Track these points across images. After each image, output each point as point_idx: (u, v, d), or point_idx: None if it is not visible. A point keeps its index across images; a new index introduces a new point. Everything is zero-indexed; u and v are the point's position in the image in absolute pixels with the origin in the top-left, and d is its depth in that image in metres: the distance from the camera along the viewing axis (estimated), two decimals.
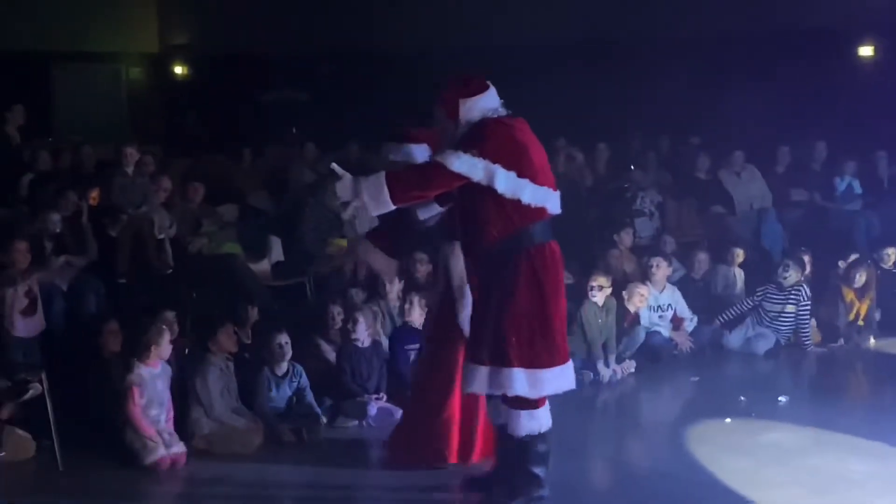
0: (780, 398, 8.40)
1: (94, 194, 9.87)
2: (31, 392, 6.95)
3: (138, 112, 18.36)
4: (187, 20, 18.62)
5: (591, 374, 9.06)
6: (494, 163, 5.74)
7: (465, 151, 5.75)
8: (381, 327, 8.85)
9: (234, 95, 17.00)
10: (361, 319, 8.17)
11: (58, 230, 9.06)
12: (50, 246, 8.95)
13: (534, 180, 5.83)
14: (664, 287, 9.94)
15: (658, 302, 9.86)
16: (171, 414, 7.22)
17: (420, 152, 6.53)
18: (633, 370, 9.35)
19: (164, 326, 7.32)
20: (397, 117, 15.34)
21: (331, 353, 8.44)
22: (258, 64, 16.93)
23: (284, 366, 7.86)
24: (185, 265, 9.59)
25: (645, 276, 9.95)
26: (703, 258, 10.74)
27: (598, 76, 14.22)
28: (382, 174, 5.77)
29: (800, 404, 8.36)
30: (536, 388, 5.89)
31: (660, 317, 9.85)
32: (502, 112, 5.95)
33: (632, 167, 12.55)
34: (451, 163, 5.73)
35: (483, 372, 5.92)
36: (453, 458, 6.75)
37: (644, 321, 9.67)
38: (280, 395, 7.81)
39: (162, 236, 9.56)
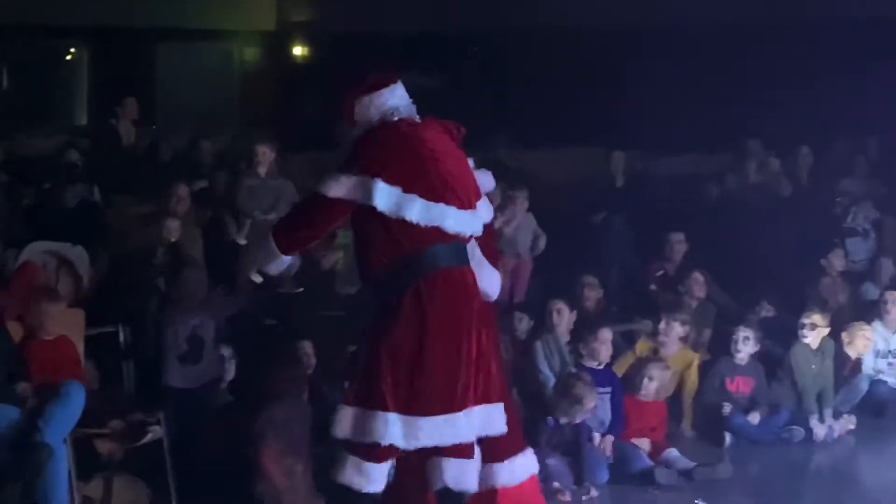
0: None
1: None
2: (149, 436, 6.77)
3: (251, 98, 18.34)
4: None
5: (802, 430, 8.73)
6: (374, 177, 5.60)
7: (343, 171, 5.68)
8: (549, 365, 8.52)
9: (358, 79, 16.86)
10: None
11: (173, 239, 8.91)
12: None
13: (427, 195, 5.62)
14: None
15: (890, 346, 9.45)
16: (310, 464, 6.91)
17: None
18: (852, 427, 8.96)
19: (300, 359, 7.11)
20: (544, 110, 15.37)
21: None
22: (386, 44, 16.76)
23: None
24: (315, 284, 9.33)
25: (867, 313, 9.49)
26: None
27: (795, 64, 13.64)
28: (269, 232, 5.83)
29: None
30: (412, 436, 5.63)
31: (889, 364, 9.44)
32: (404, 112, 5.80)
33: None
34: (328, 189, 5.67)
35: (348, 413, 5.70)
36: None
37: (867, 368, 9.27)
38: None
39: None
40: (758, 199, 11.67)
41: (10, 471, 5.84)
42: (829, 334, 8.97)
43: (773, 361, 8.97)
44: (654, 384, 8.21)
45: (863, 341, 9.18)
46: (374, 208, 5.61)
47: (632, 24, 14.94)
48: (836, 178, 12.22)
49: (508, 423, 6.01)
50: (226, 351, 7.75)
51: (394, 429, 5.61)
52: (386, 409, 5.61)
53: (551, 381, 8.33)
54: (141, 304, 8.42)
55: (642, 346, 8.84)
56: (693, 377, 8.82)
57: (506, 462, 6.00)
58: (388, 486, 5.90)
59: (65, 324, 7.26)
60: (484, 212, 5.95)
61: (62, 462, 5.82)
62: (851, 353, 9.19)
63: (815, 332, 8.87)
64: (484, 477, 5.91)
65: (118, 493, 6.84)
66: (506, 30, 16.01)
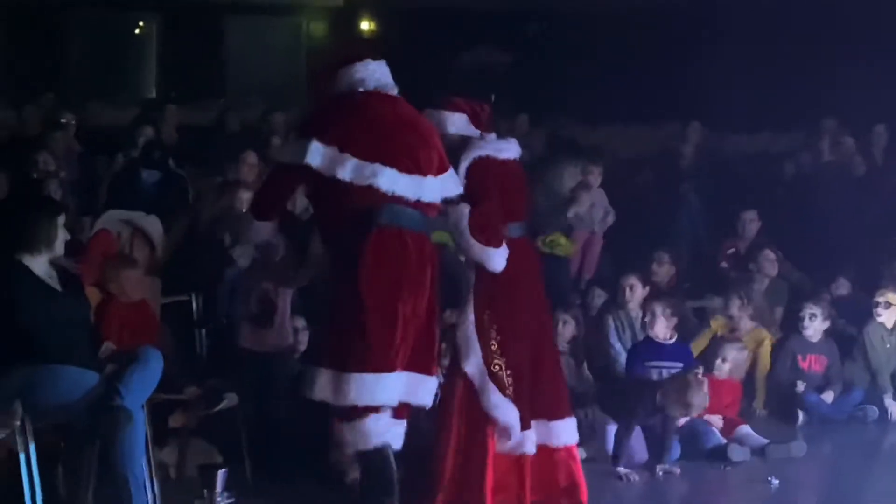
0: None
1: None
2: (224, 402, 6.81)
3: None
4: None
5: (876, 409, 8.68)
6: (310, 138, 5.79)
7: (294, 136, 6.00)
8: (620, 340, 8.49)
9: (427, 55, 16.84)
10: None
11: (245, 209, 8.92)
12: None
13: (362, 155, 5.75)
14: None
15: None
16: None
17: (455, 121, 6.35)
18: None
19: None
20: (615, 87, 15.28)
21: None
22: (456, 19, 16.73)
23: None
24: None
25: None
26: None
27: (871, 39, 13.44)
28: None
29: None
30: (341, 394, 5.73)
31: None
32: (370, 86, 5.87)
33: None
34: (280, 154, 6.05)
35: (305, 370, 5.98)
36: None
37: None
38: None
39: None
40: (832, 178, 11.54)
41: (90, 434, 5.89)
42: None
43: (847, 340, 8.89)
44: (727, 365, 8.18)
45: None
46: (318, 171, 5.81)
47: (701, 2, 14.83)
48: None
49: (557, 389, 6.35)
50: (299, 322, 7.77)
51: (319, 384, 5.77)
52: (320, 364, 5.81)
53: (622, 355, 8.33)
54: (214, 274, 8.49)
55: (718, 324, 8.79)
56: (765, 355, 8.78)
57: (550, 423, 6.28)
58: None
59: (141, 291, 7.34)
60: (448, 184, 6.04)
61: (140, 427, 5.84)
62: None
63: (889, 310, 8.79)
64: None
65: (192, 459, 6.89)
66: (572, 8, 15.95)
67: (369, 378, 5.74)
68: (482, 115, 6.40)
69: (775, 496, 7.07)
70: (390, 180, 5.80)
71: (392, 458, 5.86)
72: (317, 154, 5.77)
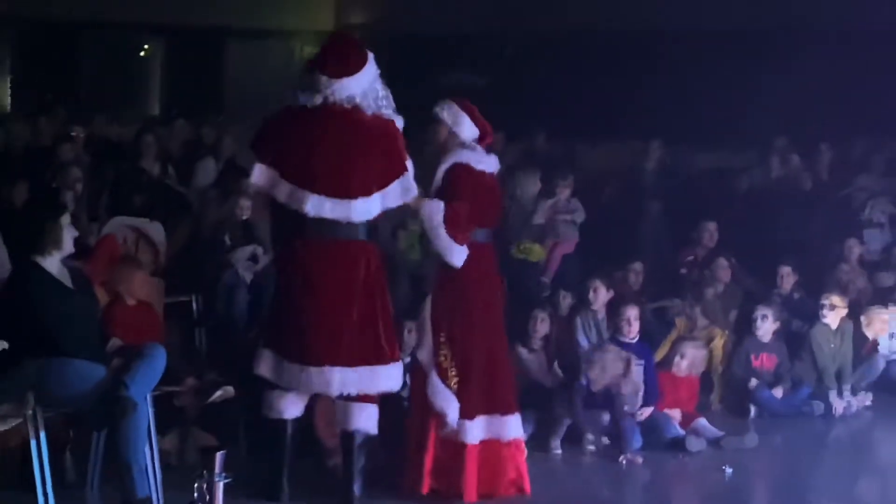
0: None
1: None
2: (219, 393, 6.77)
3: None
4: None
5: (822, 404, 8.65)
6: (256, 158, 6.10)
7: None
8: (587, 338, 8.49)
9: (411, 78, 16.79)
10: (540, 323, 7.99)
11: (245, 217, 8.91)
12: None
13: (295, 180, 5.99)
14: None
15: None
16: None
17: (462, 122, 6.42)
18: (869, 403, 8.88)
19: None
20: (585, 105, 15.26)
21: (533, 363, 8.08)
22: (439, 45, 16.69)
23: None
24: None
25: (884, 298, 9.41)
26: None
27: (815, 66, 13.49)
28: None
29: None
30: (274, 373, 6.12)
31: None
32: (321, 101, 6.02)
33: None
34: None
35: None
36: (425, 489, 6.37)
37: (884, 349, 9.15)
38: None
39: None
40: (781, 192, 11.57)
41: (98, 422, 5.86)
42: (848, 317, 8.86)
43: (796, 340, 8.90)
44: (685, 361, 8.17)
45: (880, 324, 9.07)
46: None
47: (666, 25, 14.81)
48: (855, 174, 12.08)
49: (508, 386, 6.46)
50: None
51: (264, 362, 6.11)
52: (266, 346, 6.14)
53: None
54: (213, 276, 8.45)
55: (681, 324, 8.82)
56: (718, 352, 8.78)
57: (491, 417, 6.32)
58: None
59: (146, 291, 7.31)
60: (391, 197, 6.12)
61: (143, 416, 5.82)
62: (869, 334, 9.08)
63: (834, 312, 8.77)
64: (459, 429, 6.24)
65: (192, 447, 6.84)
66: (545, 31, 15.91)
67: (297, 368, 6.03)
68: (486, 127, 6.44)
69: (729, 483, 7.08)
70: (317, 206, 5.98)
71: (288, 433, 6.18)
72: (260, 175, 6.08)
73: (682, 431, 7.70)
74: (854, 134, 12.93)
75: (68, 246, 5.90)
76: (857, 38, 13.67)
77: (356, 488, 6.20)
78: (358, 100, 6.08)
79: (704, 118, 12.96)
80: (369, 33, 18.18)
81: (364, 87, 6.12)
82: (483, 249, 6.40)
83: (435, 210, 6.23)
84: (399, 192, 6.17)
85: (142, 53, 18.18)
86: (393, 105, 6.24)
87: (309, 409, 6.39)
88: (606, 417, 7.53)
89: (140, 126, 11.65)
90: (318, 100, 6.02)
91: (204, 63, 17.24)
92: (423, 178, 6.32)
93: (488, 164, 6.46)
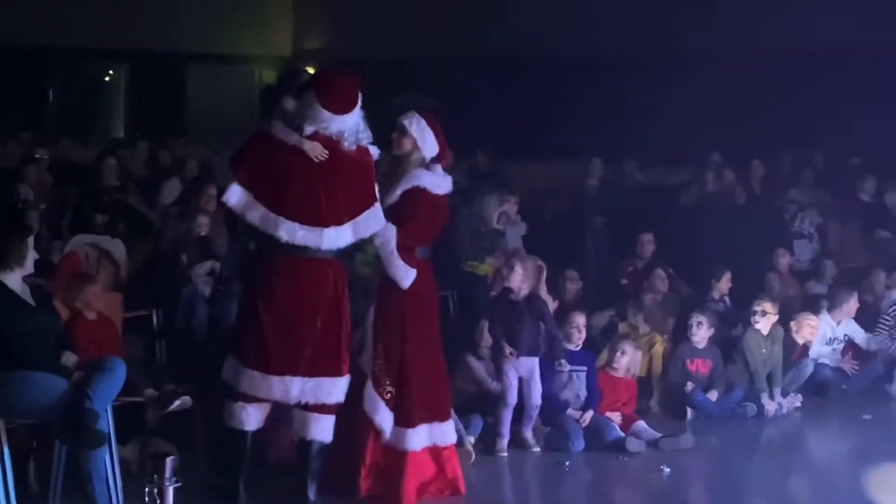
0: None
1: None
2: (178, 403, 6.73)
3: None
4: (322, 24, 18.52)
5: (755, 406, 8.69)
6: (234, 178, 6.06)
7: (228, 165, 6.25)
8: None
9: (365, 99, 16.80)
10: (518, 267, 7.77)
11: (203, 234, 8.85)
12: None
13: (270, 205, 6.00)
14: (842, 319, 9.47)
15: (835, 334, 9.44)
16: None
17: (427, 136, 6.40)
18: (799, 404, 8.93)
19: None
20: (529, 126, 15.35)
21: (481, 371, 8.07)
22: (391, 69, 16.72)
23: None
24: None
25: (812, 306, 9.50)
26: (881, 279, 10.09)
27: (748, 88, 13.66)
28: None
29: None
30: (237, 380, 6.10)
31: (833, 350, 9.42)
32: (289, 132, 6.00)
33: None
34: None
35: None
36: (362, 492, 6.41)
37: (813, 353, 9.23)
38: None
39: None
40: (717, 206, 11.68)
41: (61, 434, 5.82)
42: (779, 323, 8.90)
43: (730, 345, 8.96)
44: (625, 358, 8.19)
45: (808, 329, 9.11)
46: None
47: (608, 49, 14.95)
48: (786, 188, 12.22)
49: (446, 395, 6.52)
50: None
51: (227, 369, 6.12)
52: (231, 353, 6.15)
53: None
54: (172, 291, 8.40)
55: (624, 327, 8.89)
56: (658, 356, 8.84)
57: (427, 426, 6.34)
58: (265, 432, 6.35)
59: (104, 305, 7.25)
60: (362, 227, 6.13)
61: (105, 427, 5.78)
62: (799, 339, 9.12)
63: (765, 318, 8.80)
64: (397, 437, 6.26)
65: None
66: (493, 56, 15.99)
67: (257, 376, 6.04)
68: (445, 145, 6.41)
69: (667, 482, 7.11)
70: (290, 233, 5.99)
71: (247, 444, 6.18)
72: (235, 196, 6.05)
73: (622, 434, 7.74)
74: (783, 148, 13.13)
75: (30, 265, 5.91)
76: (786, 59, 13.90)
77: (311, 493, 6.20)
78: (346, 133, 6.06)
79: (643, 137, 13.07)
80: (322, 58, 18.23)
81: (354, 121, 6.12)
82: (423, 265, 6.41)
83: (390, 236, 6.25)
84: (371, 221, 6.18)
85: (106, 78, 18.10)
86: (370, 136, 6.22)
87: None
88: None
89: (101, 148, 11.57)
90: (309, 131, 6.00)
91: (166, 87, 17.20)
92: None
93: (444, 185, 6.46)
